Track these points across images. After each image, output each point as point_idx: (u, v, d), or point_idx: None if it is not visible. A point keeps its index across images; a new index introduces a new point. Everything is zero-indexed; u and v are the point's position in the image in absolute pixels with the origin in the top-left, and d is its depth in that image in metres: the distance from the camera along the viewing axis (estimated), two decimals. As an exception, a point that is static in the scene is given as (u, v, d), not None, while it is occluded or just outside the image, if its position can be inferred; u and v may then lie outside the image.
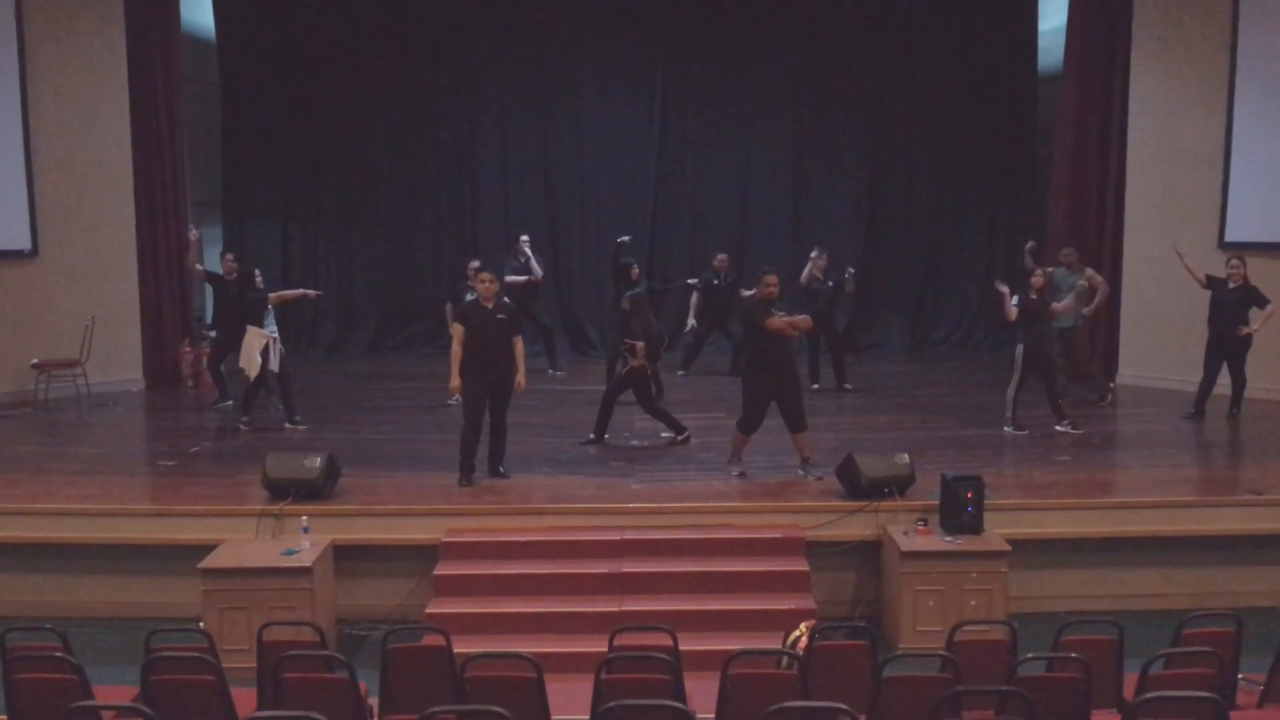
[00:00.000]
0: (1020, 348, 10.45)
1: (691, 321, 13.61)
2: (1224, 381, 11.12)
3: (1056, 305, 10.82)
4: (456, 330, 8.92)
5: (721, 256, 13.61)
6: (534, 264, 13.53)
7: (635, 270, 12.83)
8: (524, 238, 13.67)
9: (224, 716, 5.16)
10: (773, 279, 8.95)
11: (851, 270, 12.79)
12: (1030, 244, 12.71)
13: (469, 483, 8.86)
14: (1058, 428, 10.51)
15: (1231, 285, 10.88)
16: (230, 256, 12.26)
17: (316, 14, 15.22)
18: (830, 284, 12.53)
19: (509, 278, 12.75)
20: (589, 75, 15.66)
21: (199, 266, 12.69)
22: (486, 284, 8.96)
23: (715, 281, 13.43)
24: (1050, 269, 11.51)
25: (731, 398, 10.10)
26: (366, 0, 15.27)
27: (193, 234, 12.73)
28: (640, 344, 10.03)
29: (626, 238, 13.47)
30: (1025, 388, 10.58)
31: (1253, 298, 10.80)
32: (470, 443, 8.90)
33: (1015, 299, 10.35)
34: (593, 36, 15.53)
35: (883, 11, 15.44)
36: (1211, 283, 11.03)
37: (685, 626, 6.55)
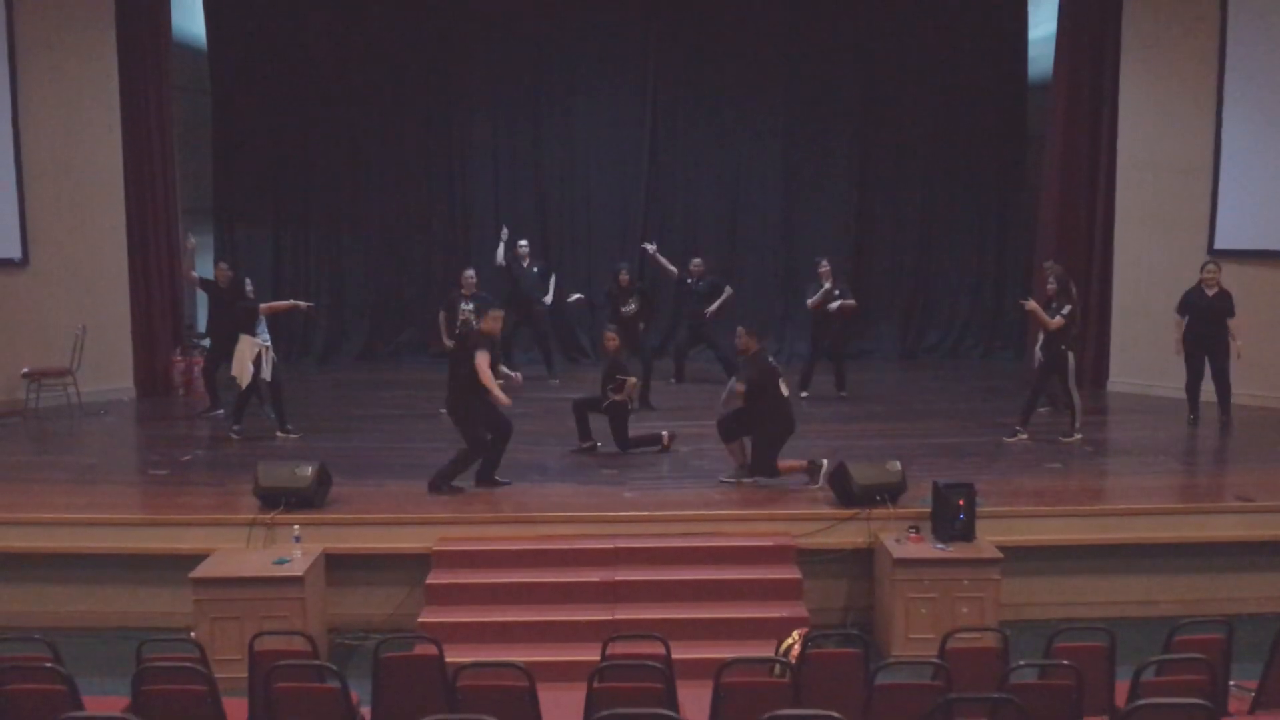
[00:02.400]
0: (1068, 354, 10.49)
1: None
2: (1210, 389, 11.17)
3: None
4: (483, 357, 8.74)
5: (696, 261, 13.55)
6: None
7: (625, 276, 12.88)
8: (522, 243, 13.67)
9: (215, 727, 5.16)
10: (743, 332, 9.15)
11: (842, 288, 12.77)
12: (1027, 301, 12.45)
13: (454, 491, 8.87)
14: (1062, 438, 10.53)
15: (1209, 291, 10.92)
16: (224, 265, 12.25)
17: (307, 21, 15.22)
18: (836, 292, 12.46)
19: None
20: (580, 83, 15.65)
21: (194, 273, 12.67)
22: (494, 321, 8.97)
23: (688, 282, 13.39)
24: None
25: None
26: (357, 9, 15.29)
27: (189, 240, 12.72)
28: (632, 380, 10.09)
29: (624, 265, 13.44)
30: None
31: (1226, 305, 10.85)
32: (469, 462, 8.93)
33: (1066, 309, 10.39)
34: (584, 46, 15.52)
35: (873, 20, 15.48)
36: (1186, 297, 11.06)
37: (678, 635, 6.55)
